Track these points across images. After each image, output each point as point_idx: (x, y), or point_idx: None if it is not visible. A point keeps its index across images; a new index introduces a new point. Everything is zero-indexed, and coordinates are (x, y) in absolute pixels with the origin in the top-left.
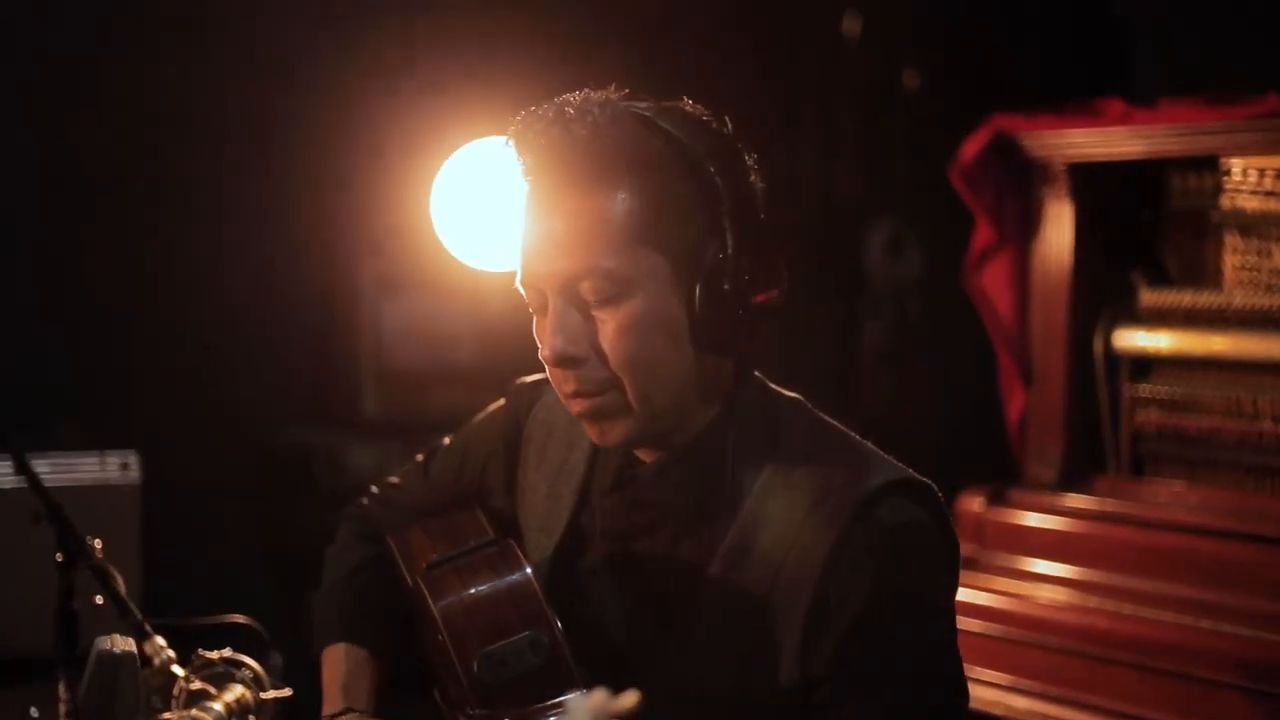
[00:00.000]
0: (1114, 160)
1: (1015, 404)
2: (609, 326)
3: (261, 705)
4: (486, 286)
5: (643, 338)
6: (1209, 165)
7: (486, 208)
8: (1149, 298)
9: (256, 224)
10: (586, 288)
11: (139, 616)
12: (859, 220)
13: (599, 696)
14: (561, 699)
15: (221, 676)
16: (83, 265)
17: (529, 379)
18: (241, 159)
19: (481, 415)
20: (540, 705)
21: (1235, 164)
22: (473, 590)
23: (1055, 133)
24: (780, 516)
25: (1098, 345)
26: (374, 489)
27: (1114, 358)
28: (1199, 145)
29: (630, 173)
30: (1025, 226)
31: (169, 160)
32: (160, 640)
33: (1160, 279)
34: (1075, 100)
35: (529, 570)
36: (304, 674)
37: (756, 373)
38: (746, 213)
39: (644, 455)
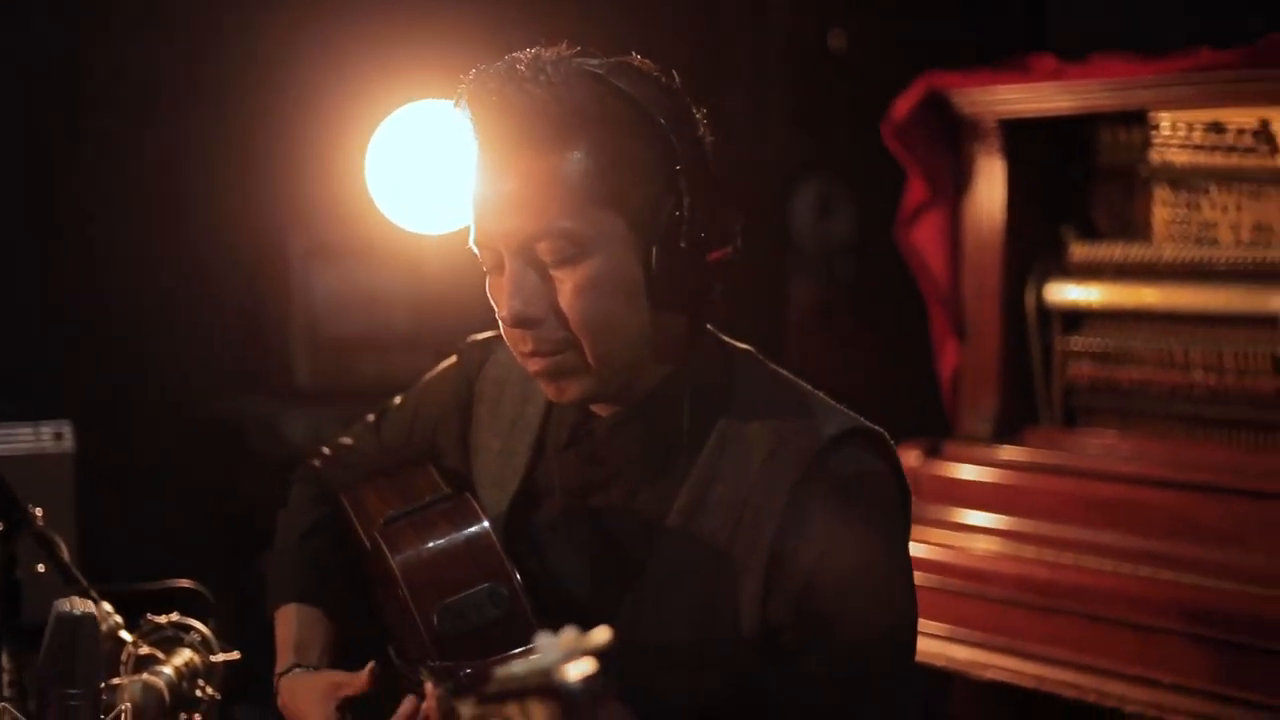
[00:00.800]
0: (1045, 116)
1: (948, 359)
2: (567, 287)
3: (211, 668)
4: (423, 251)
5: (601, 298)
6: (1138, 120)
7: (423, 171)
8: (1080, 252)
9: (186, 192)
10: (544, 248)
11: (84, 583)
12: (788, 179)
13: (570, 634)
14: (524, 649)
15: (169, 641)
16: (9, 238)
17: (479, 336)
18: (169, 125)
19: (432, 373)
20: (502, 656)
21: (1164, 118)
22: (430, 544)
23: (987, 89)
24: (736, 467)
25: (1030, 299)
26: (325, 450)
27: (1046, 311)
28: (1130, 100)
29: (586, 132)
30: (957, 183)
31: (94, 130)
32: (107, 606)
33: (1090, 233)
34: (1006, 57)
35: (486, 523)
36: (245, 639)
37: (709, 327)
38: (700, 170)
39: (599, 410)
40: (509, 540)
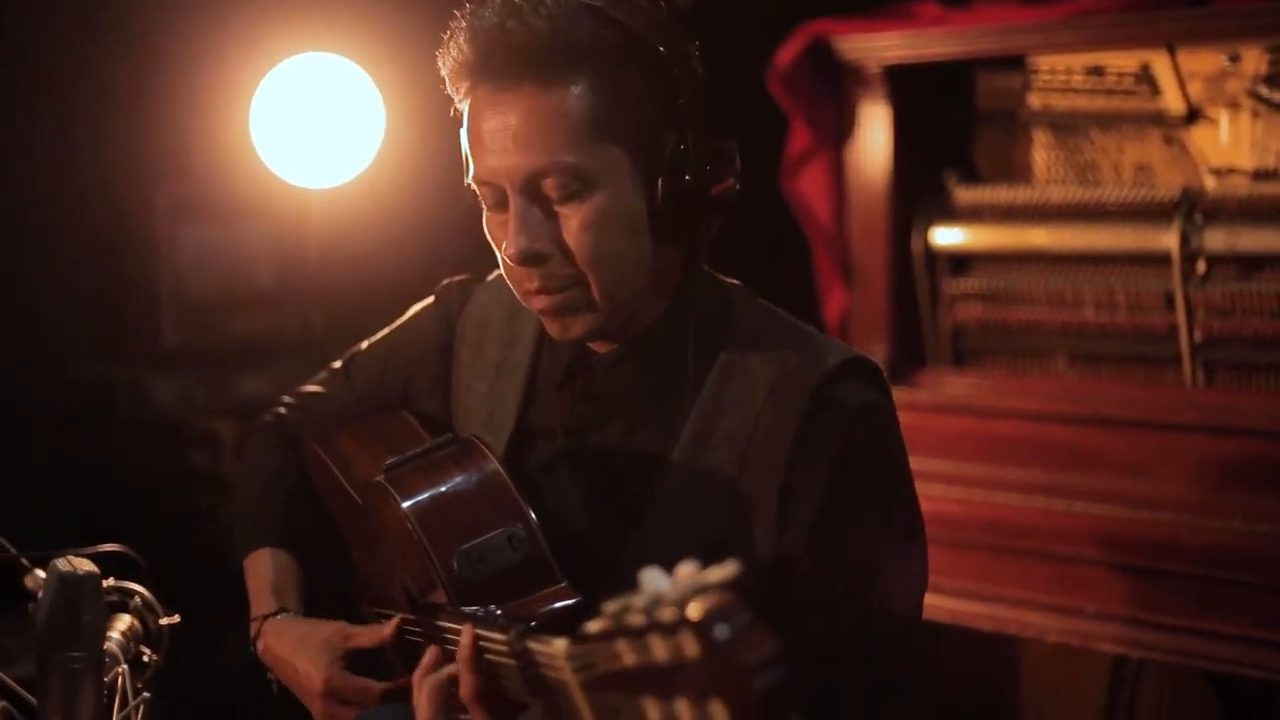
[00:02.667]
0: (928, 62)
1: (834, 304)
2: (573, 223)
3: (157, 633)
4: (301, 206)
5: (607, 233)
6: (1017, 65)
7: (308, 124)
8: (963, 195)
9: (48, 143)
10: (548, 184)
11: (12, 550)
12: None
13: (687, 568)
14: (547, 589)
15: (112, 606)
16: None
17: (457, 278)
18: (33, 73)
19: (406, 317)
20: (526, 598)
21: (1044, 63)
22: (443, 488)
23: (870, 36)
24: (740, 400)
25: (916, 243)
26: (287, 398)
27: (932, 255)
28: (1013, 45)
29: (588, 65)
30: (840, 130)
31: None
32: (40, 573)
33: (973, 177)
34: (888, 4)
35: (498, 465)
36: None
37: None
38: (701, 102)
39: (597, 347)
40: None
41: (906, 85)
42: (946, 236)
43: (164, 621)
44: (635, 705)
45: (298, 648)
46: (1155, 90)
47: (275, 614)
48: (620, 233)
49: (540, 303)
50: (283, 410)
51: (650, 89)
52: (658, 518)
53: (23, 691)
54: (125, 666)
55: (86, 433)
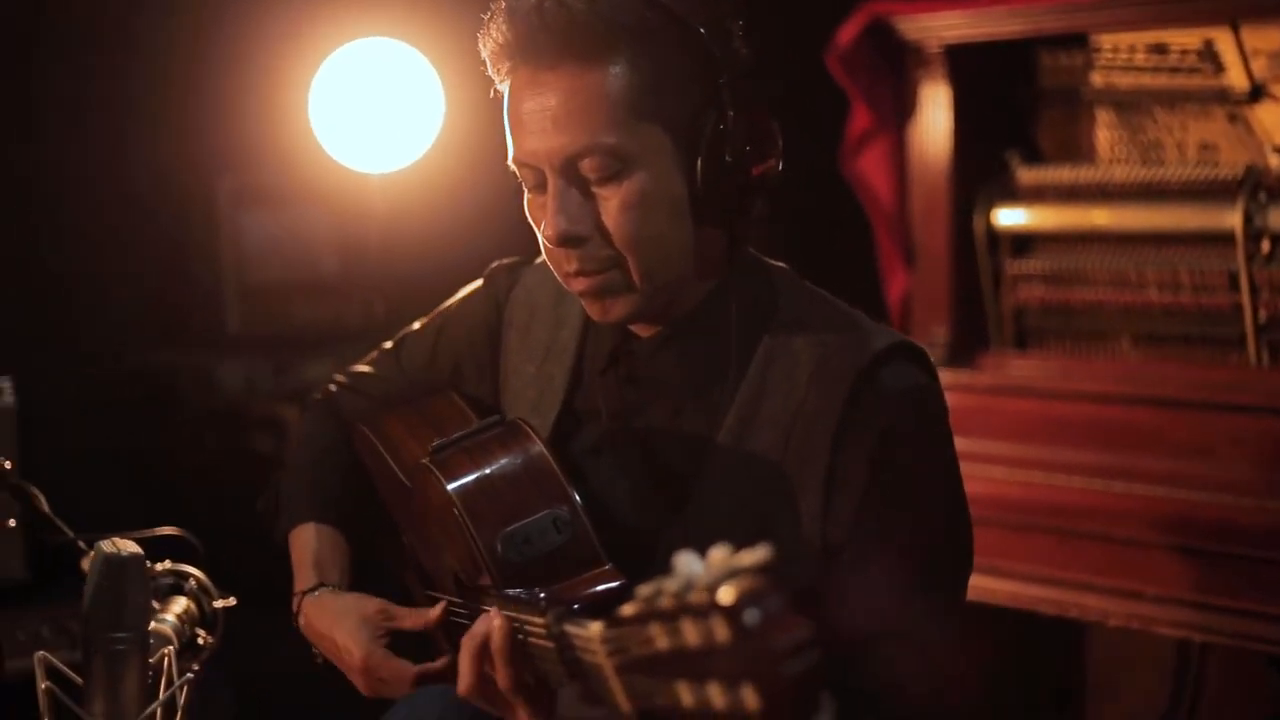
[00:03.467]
0: (989, 41)
1: (896, 286)
2: (612, 204)
3: (212, 615)
4: (362, 192)
5: (646, 214)
6: (1079, 43)
7: (367, 110)
8: (1026, 176)
9: (115, 136)
10: (587, 165)
11: (70, 533)
12: None
13: (720, 553)
14: (592, 572)
15: (168, 589)
16: None
17: (505, 261)
18: (100, 69)
19: (455, 299)
20: (570, 581)
21: (1106, 41)
22: (488, 470)
23: (930, 15)
24: (784, 383)
25: (978, 224)
26: (339, 377)
27: (995, 236)
28: (1075, 23)
29: (627, 44)
30: (901, 110)
31: (20, 74)
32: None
33: (1035, 157)
34: None
35: (543, 447)
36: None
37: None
38: (743, 80)
39: (640, 331)
40: None
41: (968, 65)
42: (1009, 217)
43: (219, 604)
44: (668, 689)
45: (336, 623)
46: (1219, 68)
47: (315, 589)
48: (660, 214)
49: (580, 284)
50: (333, 388)
51: (691, 69)
52: (702, 501)
53: (69, 671)
54: (172, 648)
55: (152, 419)
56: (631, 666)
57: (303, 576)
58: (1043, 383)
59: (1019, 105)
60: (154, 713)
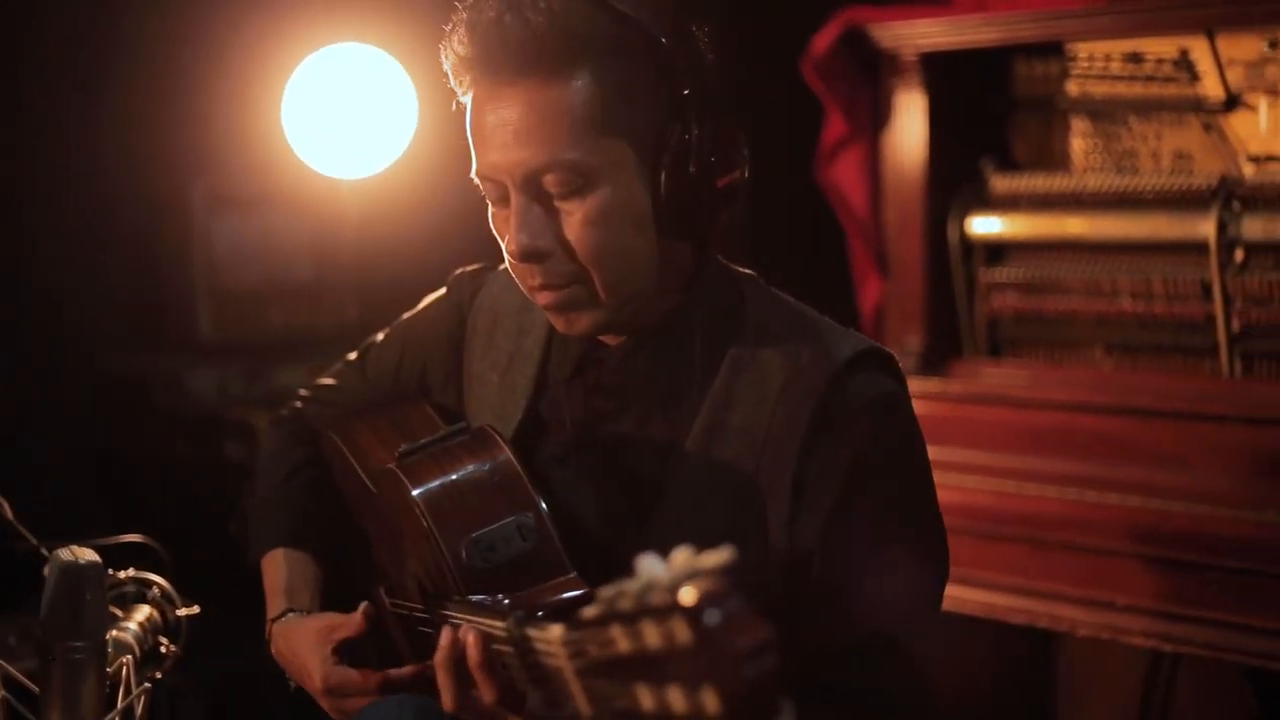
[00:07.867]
0: (965, 49)
1: (869, 294)
2: (575, 219)
3: (175, 623)
4: (335, 197)
5: (610, 228)
6: (1055, 52)
7: (340, 115)
8: (1000, 184)
9: (85, 139)
10: (550, 180)
11: (34, 541)
12: None
13: (682, 554)
14: (557, 579)
15: (130, 597)
16: None
17: (469, 268)
18: (72, 77)
19: (419, 308)
20: (535, 588)
21: (1081, 49)
22: (454, 476)
23: (906, 23)
24: (753, 392)
25: (952, 232)
26: (304, 392)
27: (969, 244)
28: (1052, 31)
29: (589, 58)
30: (876, 117)
31: None
32: None
33: (1009, 165)
34: None
35: (510, 454)
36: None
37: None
38: (706, 92)
39: (608, 340)
40: None
41: (943, 73)
42: (983, 225)
43: (182, 612)
44: (629, 693)
45: (300, 645)
46: (1194, 77)
47: (283, 615)
48: (624, 228)
49: (544, 298)
50: (298, 404)
51: (654, 81)
52: (669, 509)
53: (26, 681)
54: (130, 657)
55: (123, 424)
56: (592, 670)
57: (273, 604)
58: (1016, 391)
59: (994, 114)
60: None
